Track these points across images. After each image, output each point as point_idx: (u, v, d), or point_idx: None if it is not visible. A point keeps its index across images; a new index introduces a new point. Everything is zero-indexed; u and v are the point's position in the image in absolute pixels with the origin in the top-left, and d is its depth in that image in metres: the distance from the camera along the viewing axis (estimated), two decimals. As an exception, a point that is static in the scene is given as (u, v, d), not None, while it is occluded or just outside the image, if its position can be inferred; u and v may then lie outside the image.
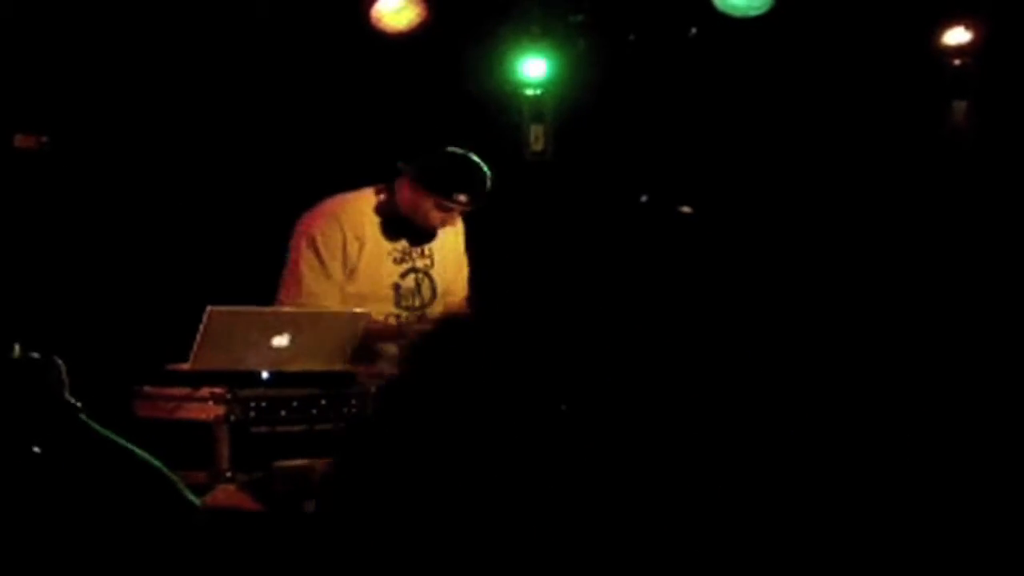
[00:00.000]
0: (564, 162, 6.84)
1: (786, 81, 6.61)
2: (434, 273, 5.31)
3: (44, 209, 5.80)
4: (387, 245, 5.22)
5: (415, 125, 6.36)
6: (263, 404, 4.33)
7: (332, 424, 4.44)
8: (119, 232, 6.01)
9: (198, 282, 5.69)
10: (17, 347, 2.25)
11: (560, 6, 6.78)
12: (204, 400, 4.29)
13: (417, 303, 5.28)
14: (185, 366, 4.38)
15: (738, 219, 6.62)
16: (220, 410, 4.26)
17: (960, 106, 6.45)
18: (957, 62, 6.45)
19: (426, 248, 5.28)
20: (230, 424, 4.27)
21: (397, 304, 5.25)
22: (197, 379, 4.34)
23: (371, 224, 5.19)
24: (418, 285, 5.27)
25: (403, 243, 5.24)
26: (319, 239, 5.10)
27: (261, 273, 5.71)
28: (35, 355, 2.24)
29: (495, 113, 6.69)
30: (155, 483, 1.70)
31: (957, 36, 6.44)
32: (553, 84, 6.81)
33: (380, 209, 5.20)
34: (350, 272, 5.15)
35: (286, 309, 4.67)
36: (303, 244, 5.11)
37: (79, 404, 2.20)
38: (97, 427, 1.83)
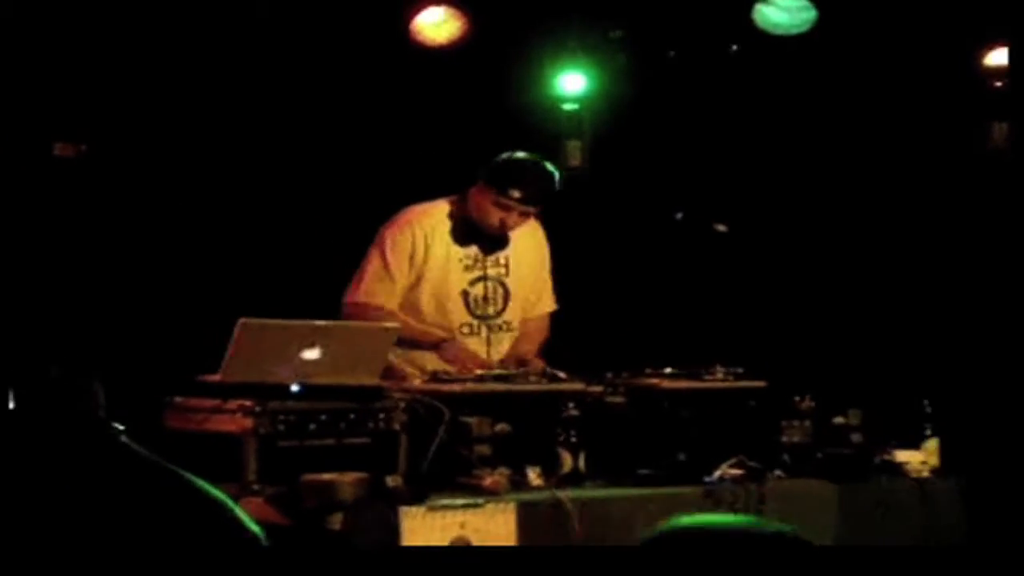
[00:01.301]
0: (601, 178, 6.82)
1: (826, 100, 6.57)
2: (508, 281, 5.34)
3: (82, 218, 5.82)
4: (458, 251, 5.28)
5: (452, 139, 6.37)
6: (292, 417, 4.33)
7: (360, 438, 4.43)
8: (155, 241, 6.03)
9: (232, 293, 5.71)
10: (55, 368, 2.24)
11: (600, 21, 6.77)
12: (233, 412, 4.28)
13: (490, 311, 5.32)
14: (216, 377, 4.38)
15: (775, 237, 6.60)
16: (249, 423, 4.26)
17: (1000, 128, 6.40)
18: (998, 84, 6.41)
19: (500, 256, 5.31)
20: (258, 437, 4.26)
21: (469, 312, 5.29)
22: (227, 391, 4.34)
23: (442, 231, 5.27)
24: (489, 293, 5.30)
25: (474, 250, 5.28)
26: (388, 243, 5.24)
27: (295, 285, 5.75)
28: (74, 376, 2.23)
29: (532, 127, 6.68)
30: (206, 509, 1.65)
31: (998, 58, 6.40)
32: (591, 99, 6.80)
33: (452, 216, 5.29)
34: (417, 277, 5.23)
35: (316, 322, 4.68)
36: (375, 248, 5.27)
37: (120, 426, 2.18)
38: (140, 449, 1.79)
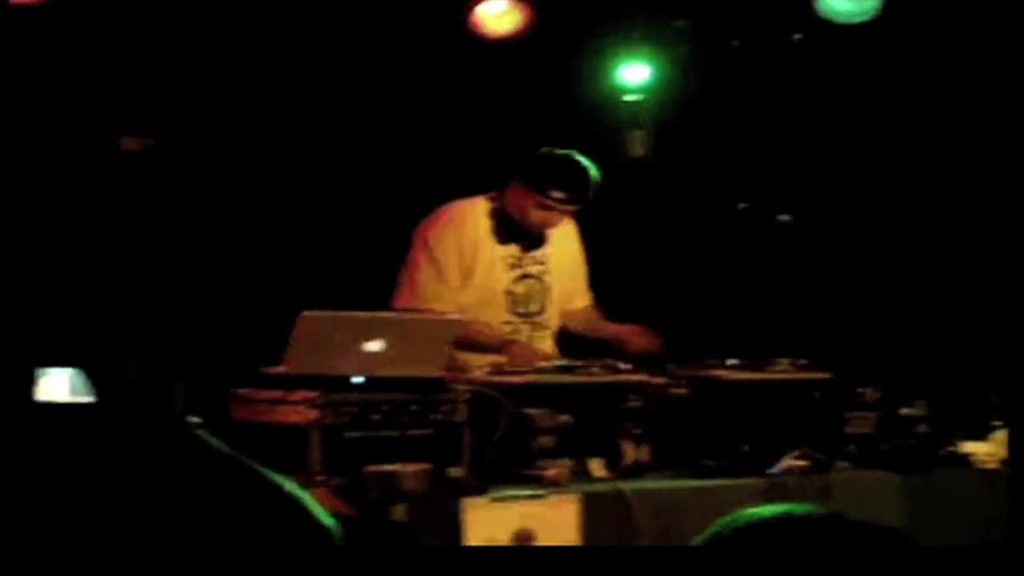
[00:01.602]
0: (664, 168, 6.81)
1: (891, 89, 6.52)
2: (549, 279, 5.32)
3: (149, 211, 5.88)
4: (500, 250, 5.25)
5: (516, 130, 6.37)
6: (355, 409, 4.33)
7: (423, 430, 4.44)
8: (222, 234, 6.08)
9: (297, 285, 5.74)
10: (132, 365, 2.26)
11: (663, 12, 6.76)
12: (297, 404, 4.30)
13: (532, 309, 5.30)
14: (279, 370, 4.41)
15: (839, 227, 6.55)
16: (313, 414, 4.27)
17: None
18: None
19: (539, 254, 5.30)
20: (323, 428, 4.28)
21: (511, 311, 5.27)
22: (291, 383, 4.36)
23: (484, 229, 5.23)
24: (531, 291, 5.29)
25: (514, 248, 5.26)
26: (437, 247, 5.16)
27: (361, 277, 5.77)
28: (150, 373, 2.25)
29: (596, 118, 6.68)
30: (284, 505, 1.64)
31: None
32: (654, 90, 6.79)
33: (493, 214, 5.24)
34: (465, 278, 5.18)
35: (379, 314, 4.69)
36: (421, 251, 5.18)
37: (199, 420, 2.18)
38: (220, 444, 1.79)
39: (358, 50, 6.29)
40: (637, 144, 6.72)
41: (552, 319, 5.36)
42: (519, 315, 5.28)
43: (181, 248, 5.96)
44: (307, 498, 1.68)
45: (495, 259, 5.24)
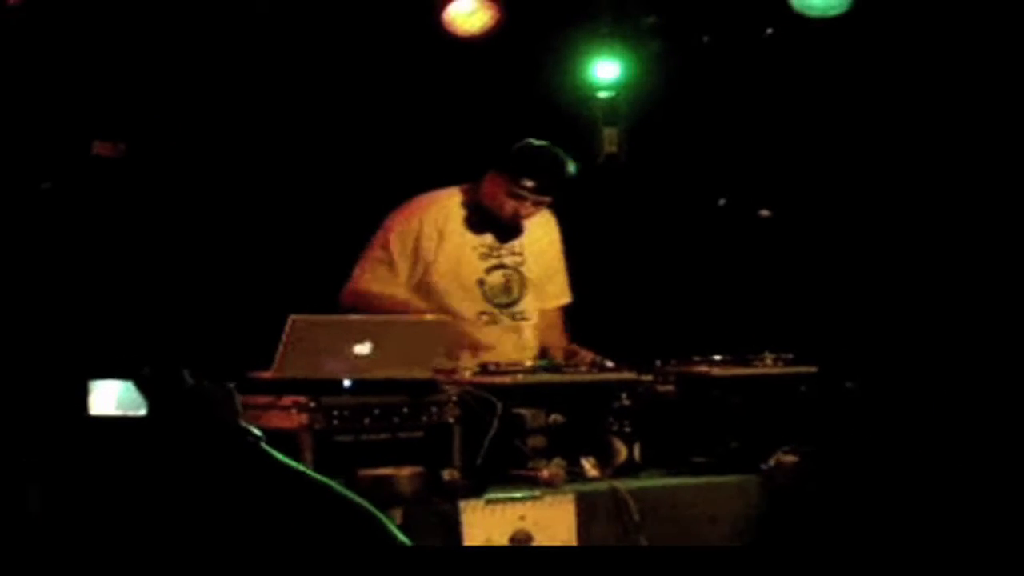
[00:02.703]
0: (638, 165, 6.79)
1: (865, 82, 6.52)
2: (524, 270, 5.31)
3: (123, 216, 5.80)
4: (472, 239, 5.25)
5: (489, 129, 6.33)
6: (346, 412, 4.30)
7: (414, 432, 4.40)
8: (199, 239, 6.01)
9: (280, 289, 5.68)
10: (188, 374, 2.19)
11: (633, 8, 6.74)
12: (287, 408, 4.26)
13: (506, 300, 5.29)
14: (268, 374, 4.36)
15: (820, 221, 6.54)
16: (303, 418, 4.24)
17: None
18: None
19: (515, 244, 5.28)
20: (313, 432, 4.24)
21: (487, 300, 5.26)
22: (280, 387, 4.32)
23: (455, 219, 5.24)
24: (507, 282, 5.27)
25: (489, 238, 5.25)
26: (393, 235, 5.21)
27: (335, 279, 5.71)
28: (209, 383, 2.19)
29: (568, 116, 6.64)
30: (352, 516, 1.60)
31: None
32: (626, 87, 6.77)
33: (466, 204, 5.25)
34: (426, 266, 5.18)
35: (368, 317, 4.65)
36: (378, 238, 5.25)
37: (259, 433, 2.13)
38: (281, 456, 1.74)
39: (331, 51, 6.23)
40: (610, 141, 6.69)
41: (531, 309, 5.35)
42: (496, 305, 5.27)
43: (162, 252, 5.88)
44: (375, 510, 1.63)
45: (464, 248, 5.25)
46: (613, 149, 6.70)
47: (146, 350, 4.74)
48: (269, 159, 6.24)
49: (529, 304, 5.34)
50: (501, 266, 5.30)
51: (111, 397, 2.15)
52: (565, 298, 5.52)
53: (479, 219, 5.25)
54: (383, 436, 4.35)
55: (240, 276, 6.03)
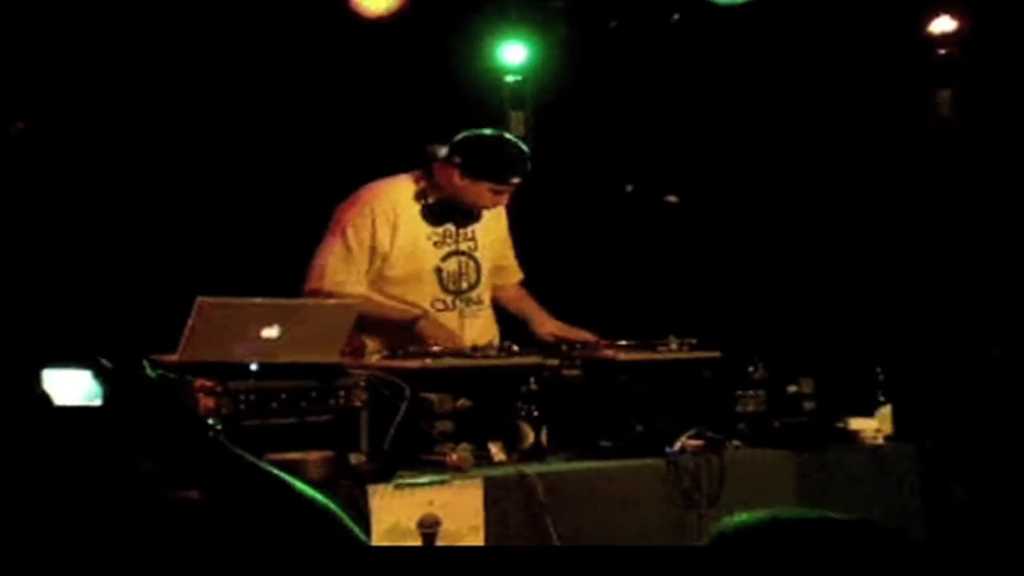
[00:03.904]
0: (545, 149, 6.78)
1: (770, 69, 6.58)
2: (478, 255, 5.31)
3: (21, 198, 5.71)
4: (426, 229, 5.23)
5: (397, 112, 6.31)
6: (253, 396, 4.26)
7: (322, 416, 4.38)
8: (102, 221, 5.92)
9: (191, 271, 5.62)
10: (147, 365, 2.14)
11: (540, -8, 6.74)
12: (194, 392, 4.21)
13: (464, 285, 5.29)
14: (173, 358, 4.30)
15: (725, 207, 6.60)
16: (210, 402, 4.18)
17: (944, 95, 6.45)
18: (942, 51, 6.45)
19: (468, 230, 5.27)
20: (220, 417, 4.19)
21: (443, 288, 5.26)
22: (185, 371, 4.26)
23: (408, 210, 5.22)
24: (462, 268, 5.27)
25: (446, 227, 5.25)
26: (349, 229, 5.16)
27: (243, 263, 5.67)
28: (168, 374, 2.14)
29: (475, 99, 6.64)
30: (315, 518, 1.57)
31: (942, 25, 6.45)
32: (534, 70, 6.77)
33: (420, 195, 5.21)
34: (383, 258, 5.16)
35: (275, 300, 4.61)
36: (334, 233, 5.18)
37: (217, 426, 2.10)
38: (241, 452, 1.71)
39: (233, 33, 6.16)
40: (517, 125, 6.69)
41: (484, 294, 5.36)
42: (450, 292, 5.27)
43: (63, 234, 5.79)
44: (333, 505, 1.62)
45: (419, 237, 5.23)
46: (520, 133, 6.68)
47: (47, 332, 4.66)
48: (174, 140, 6.17)
49: (484, 289, 5.35)
50: (456, 252, 5.30)
51: (71, 385, 2.10)
52: (519, 274, 5.55)
53: (437, 209, 5.22)
54: (291, 420, 4.31)
55: (144, 258, 5.96)
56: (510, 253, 5.54)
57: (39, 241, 5.68)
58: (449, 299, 5.28)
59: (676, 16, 6.60)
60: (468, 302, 5.30)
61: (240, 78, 6.25)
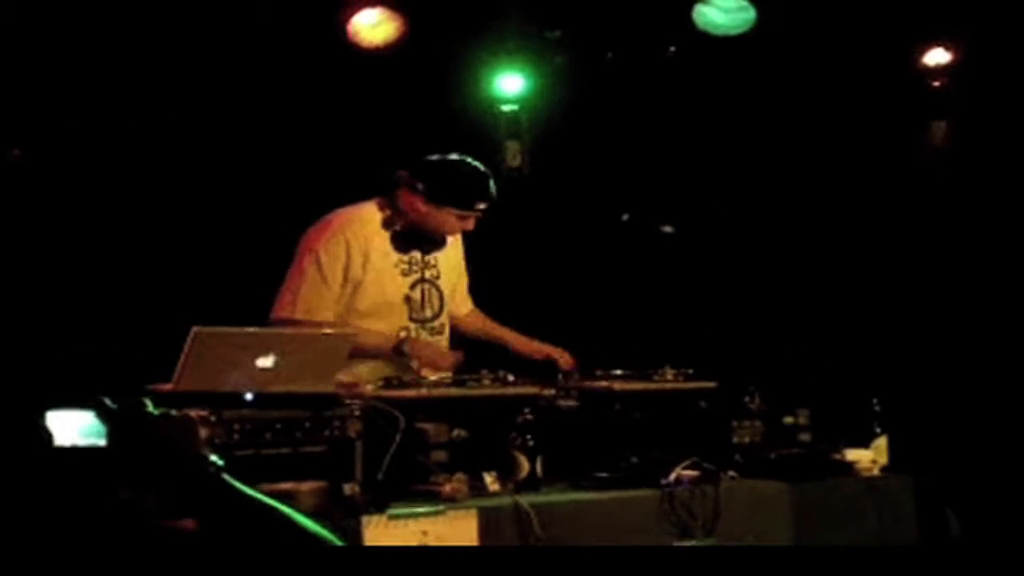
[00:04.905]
0: (541, 179, 6.81)
1: (766, 101, 6.59)
2: (440, 283, 5.31)
3: (17, 224, 5.71)
4: (394, 257, 5.21)
5: (393, 141, 6.31)
6: (247, 426, 4.24)
7: (316, 446, 4.36)
8: (98, 249, 5.92)
9: (178, 301, 5.62)
10: (150, 403, 2.14)
11: (537, 22, 6.76)
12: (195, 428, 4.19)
13: (428, 314, 5.28)
14: (167, 387, 4.30)
15: (722, 237, 6.60)
16: (204, 432, 4.17)
17: (939, 126, 6.47)
18: (936, 83, 6.47)
19: (432, 258, 5.27)
20: (214, 446, 4.18)
21: (410, 317, 5.25)
22: (180, 400, 4.24)
23: (378, 238, 5.19)
24: (426, 296, 5.26)
25: (412, 254, 5.23)
26: (323, 256, 5.11)
27: (240, 292, 5.66)
28: (170, 411, 2.15)
29: (471, 129, 6.65)
30: (309, 545, 1.57)
31: (936, 57, 6.47)
32: (530, 100, 6.79)
33: (387, 223, 5.18)
34: (354, 288, 5.13)
35: (272, 331, 4.61)
36: (306, 260, 5.12)
37: (221, 462, 2.11)
38: (244, 488, 1.71)
39: (233, 61, 6.18)
40: (513, 155, 6.71)
41: (446, 322, 5.34)
42: (415, 320, 5.25)
43: (59, 262, 5.79)
44: (333, 537, 1.61)
45: (388, 267, 5.20)
46: (516, 163, 6.71)
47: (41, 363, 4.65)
48: (173, 170, 6.17)
49: (445, 318, 5.34)
50: (422, 280, 5.28)
51: (73, 426, 2.10)
52: (468, 304, 5.54)
53: (404, 236, 5.20)
54: (285, 450, 4.29)
55: (141, 288, 5.96)
56: (463, 282, 5.51)
57: (34, 270, 5.67)
58: (414, 328, 5.25)
59: (672, 48, 6.62)
60: (432, 331, 5.28)
61: (240, 109, 6.27)
